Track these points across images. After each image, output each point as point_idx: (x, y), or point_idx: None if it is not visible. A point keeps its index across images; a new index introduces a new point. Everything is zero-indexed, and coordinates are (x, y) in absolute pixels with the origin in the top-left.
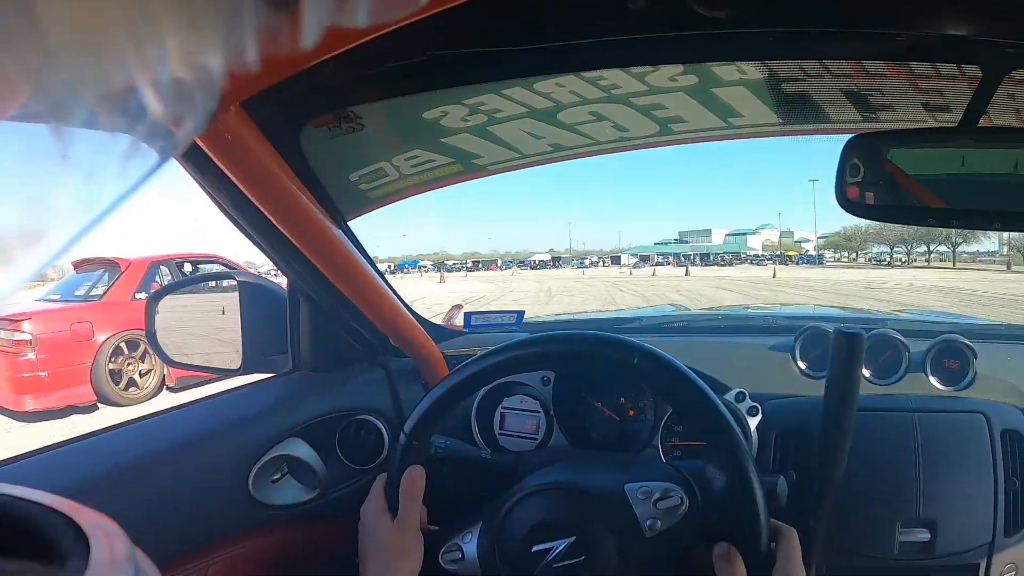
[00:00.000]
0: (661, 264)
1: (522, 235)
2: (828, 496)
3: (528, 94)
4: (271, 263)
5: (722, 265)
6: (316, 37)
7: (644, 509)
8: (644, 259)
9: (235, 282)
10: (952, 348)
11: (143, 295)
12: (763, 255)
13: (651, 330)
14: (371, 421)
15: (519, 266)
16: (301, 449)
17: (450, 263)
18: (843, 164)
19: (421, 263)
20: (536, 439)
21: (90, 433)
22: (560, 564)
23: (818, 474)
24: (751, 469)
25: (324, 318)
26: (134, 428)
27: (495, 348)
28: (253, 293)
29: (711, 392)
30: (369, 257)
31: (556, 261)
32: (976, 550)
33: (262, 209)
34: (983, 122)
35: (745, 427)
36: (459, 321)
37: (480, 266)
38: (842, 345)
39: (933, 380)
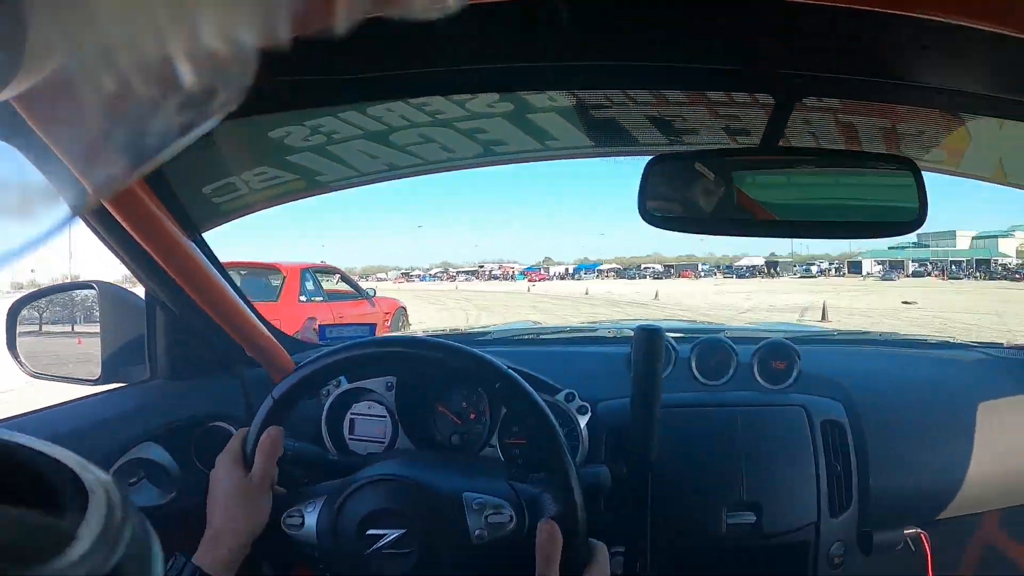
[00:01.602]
0: (919, 274)
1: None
2: (644, 480)
3: (362, 117)
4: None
5: (981, 277)
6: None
7: (475, 519)
8: (895, 266)
9: (95, 291)
10: (777, 349)
11: (303, 298)
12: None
13: (502, 342)
14: (225, 428)
15: (724, 273)
16: (157, 453)
17: (644, 266)
18: (644, 180)
19: (600, 266)
20: (384, 443)
21: None
22: (389, 551)
23: (632, 461)
24: (565, 454)
25: (181, 327)
26: None
27: (358, 342)
28: (112, 302)
29: (529, 388)
30: (223, 269)
31: (772, 267)
32: (803, 529)
33: (118, 219)
34: (783, 144)
35: (575, 424)
36: (313, 335)
37: (672, 271)
38: (642, 340)
39: (759, 379)
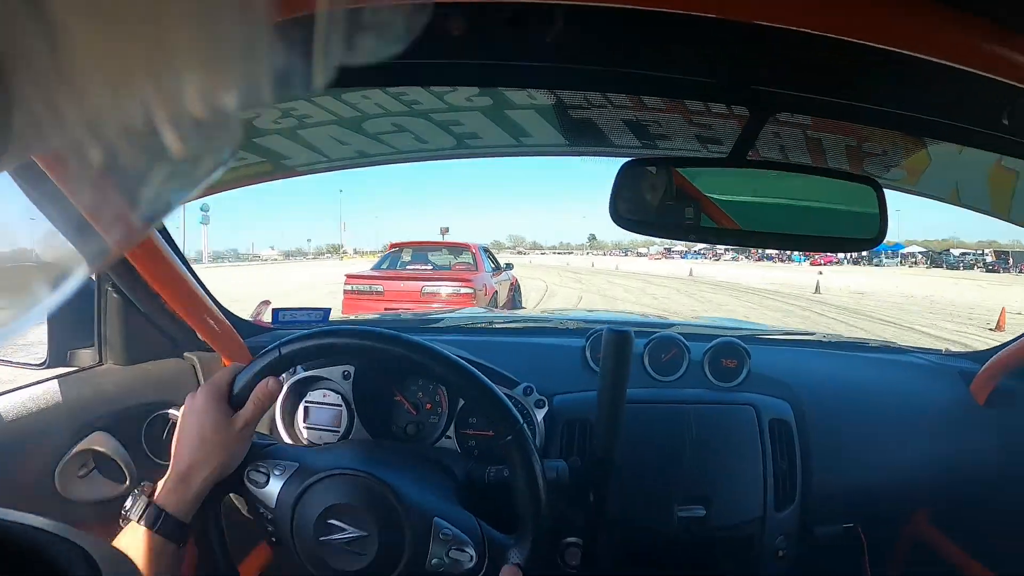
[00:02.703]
0: None
1: None
2: (605, 476)
3: (336, 103)
4: None
5: None
6: None
7: (437, 548)
8: None
9: None
10: (729, 349)
11: (486, 270)
12: None
13: (455, 331)
14: (177, 415)
15: None
16: (107, 443)
17: (961, 252)
18: (618, 184)
19: (903, 248)
20: (338, 432)
21: None
22: (345, 549)
23: (596, 457)
24: (535, 459)
25: (132, 311)
26: None
27: (349, 329)
28: None
29: (493, 386)
30: (179, 250)
31: None
32: (749, 523)
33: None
34: (752, 155)
35: (532, 418)
36: (267, 317)
37: (1009, 263)
38: (611, 342)
39: (710, 377)
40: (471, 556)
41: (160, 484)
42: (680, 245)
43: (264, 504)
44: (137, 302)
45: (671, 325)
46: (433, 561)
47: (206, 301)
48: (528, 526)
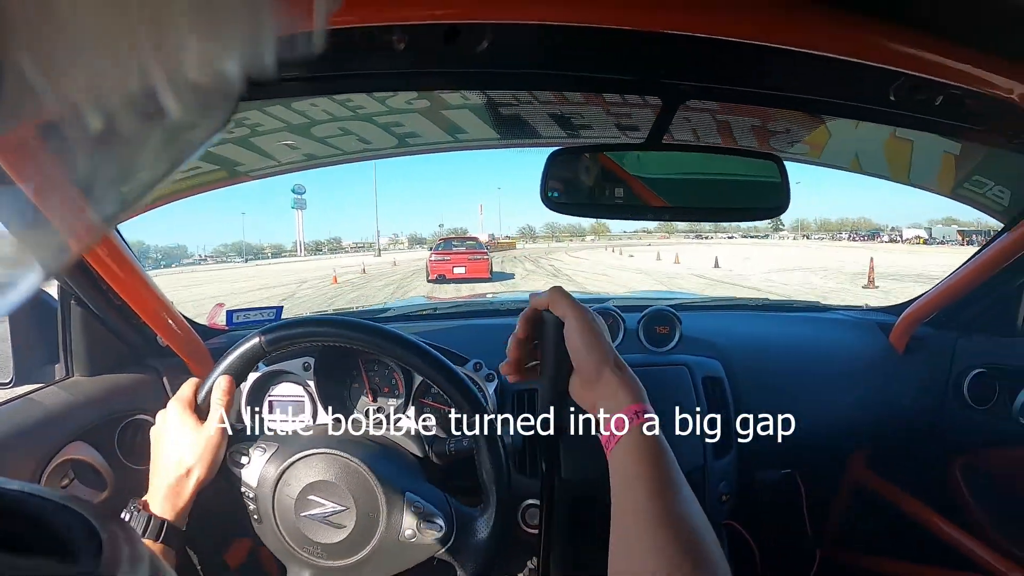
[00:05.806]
0: None
1: None
2: (555, 441)
3: (286, 111)
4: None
5: None
6: None
7: (410, 520)
8: None
9: None
10: (661, 316)
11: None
12: None
13: (403, 319)
14: (147, 420)
15: None
16: (85, 452)
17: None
18: (547, 171)
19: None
20: (304, 423)
21: None
22: (325, 522)
23: (543, 424)
24: (499, 444)
25: (94, 322)
26: None
27: (348, 320)
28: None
29: (453, 366)
30: (136, 257)
31: None
32: (692, 472)
33: None
34: (667, 139)
35: (484, 392)
36: (221, 319)
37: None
38: (552, 317)
39: (645, 343)
40: (440, 526)
41: (150, 498)
42: None
43: (247, 484)
44: (99, 311)
45: (606, 299)
46: (407, 532)
47: (168, 306)
48: (492, 499)
